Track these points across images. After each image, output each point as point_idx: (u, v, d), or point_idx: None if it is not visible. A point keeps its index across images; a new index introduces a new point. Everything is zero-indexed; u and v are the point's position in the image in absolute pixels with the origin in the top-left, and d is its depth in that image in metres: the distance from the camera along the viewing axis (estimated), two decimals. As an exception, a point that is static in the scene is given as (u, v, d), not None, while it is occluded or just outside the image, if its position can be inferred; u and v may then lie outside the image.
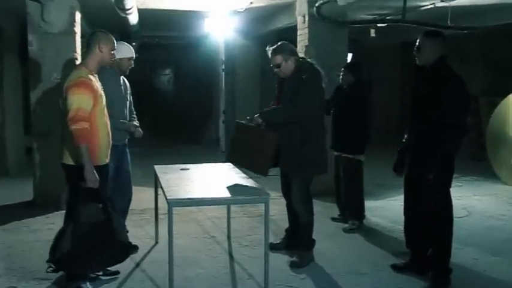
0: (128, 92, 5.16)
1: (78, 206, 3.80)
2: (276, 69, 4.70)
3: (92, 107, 3.88)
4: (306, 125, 4.52)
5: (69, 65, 6.59)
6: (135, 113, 5.32)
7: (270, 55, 4.70)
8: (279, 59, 4.64)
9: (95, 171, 3.80)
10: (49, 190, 6.65)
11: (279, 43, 4.72)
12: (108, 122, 4.13)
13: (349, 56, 7.97)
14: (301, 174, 4.66)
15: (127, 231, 5.21)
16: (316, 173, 4.77)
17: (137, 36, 10.30)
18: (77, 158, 3.87)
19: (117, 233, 3.91)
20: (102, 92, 4.08)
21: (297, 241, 4.88)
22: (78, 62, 6.67)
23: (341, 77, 5.91)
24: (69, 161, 3.99)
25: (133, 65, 5.00)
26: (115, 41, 4.19)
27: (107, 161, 4.13)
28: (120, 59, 4.75)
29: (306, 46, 7.48)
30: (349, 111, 5.73)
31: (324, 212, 6.59)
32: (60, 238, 3.82)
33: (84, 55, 4.16)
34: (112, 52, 4.13)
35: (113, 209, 4.02)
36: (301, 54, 7.69)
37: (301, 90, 4.48)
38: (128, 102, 5.12)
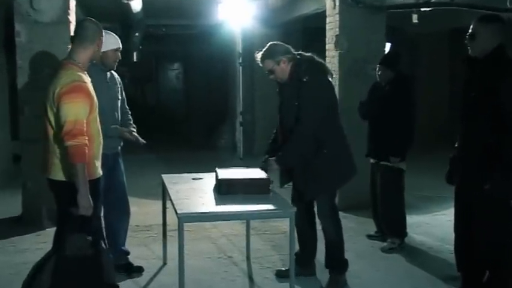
0: (118, 88, 5.11)
1: (64, 234, 3.77)
2: (271, 76, 4.74)
3: (88, 114, 3.84)
4: (316, 132, 4.55)
5: (62, 58, 6.69)
6: (129, 113, 5.30)
7: (259, 62, 4.74)
8: (269, 64, 4.67)
9: (89, 197, 3.75)
10: (40, 204, 6.71)
11: (267, 46, 4.74)
12: (100, 128, 4.08)
13: (387, 47, 7.95)
14: (321, 191, 4.69)
15: (128, 253, 5.26)
16: (340, 184, 4.81)
17: (141, 25, 10.41)
18: (70, 174, 3.82)
19: (105, 272, 3.87)
20: (94, 94, 4.00)
21: (326, 263, 4.90)
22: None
23: (378, 72, 5.90)
24: (58, 175, 3.92)
25: (120, 57, 4.94)
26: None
27: (101, 172, 4.10)
28: (103, 52, 4.60)
29: (337, 36, 7.49)
30: (388, 113, 5.71)
31: (358, 229, 6.58)
32: (40, 270, 3.78)
33: (74, 48, 4.02)
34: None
35: (103, 240, 4.02)
36: (330, 45, 7.79)
37: (304, 99, 4.49)
38: (119, 102, 5.09)
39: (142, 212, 7.16)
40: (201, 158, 11.75)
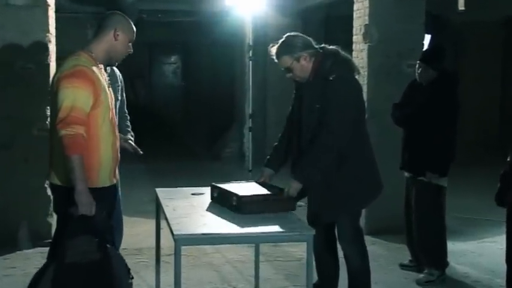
0: (119, 87, 5.21)
1: (65, 240, 3.82)
2: (288, 75, 4.73)
3: (92, 108, 3.93)
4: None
5: (41, 49, 6.76)
6: (128, 118, 5.41)
7: (274, 58, 4.73)
8: (287, 60, 4.64)
9: (89, 193, 3.84)
10: (9, 222, 6.77)
11: (283, 38, 4.72)
12: (116, 130, 4.20)
13: (427, 39, 7.97)
14: (339, 212, 4.70)
15: (132, 278, 5.29)
16: (363, 203, 4.83)
17: (132, 10, 10.49)
18: (67, 175, 3.91)
19: (117, 280, 3.92)
20: (109, 89, 4.14)
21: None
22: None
23: (418, 71, 5.90)
24: (56, 179, 4.07)
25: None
26: (135, 31, 4.28)
27: (115, 181, 4.21)
28: None
29: (366, 25, 7.51)
30: (428, 118, 5.71)
31: (389, 257, 6.58)
32: (37, 284, 3.84)
33: (91, 39, 4.21)
34: (129, 44, 4.22)
35: (113, 241, 4.08)
36: (357, 37, 7.82)
37: (331, 102, 4.47)
38: (118, 104, 5.17)
39: (132, 232, 7.18)
40: (202, 170, 11.78)
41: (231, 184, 4.79)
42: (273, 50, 4.70)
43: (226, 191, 4.57)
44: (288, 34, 4.75)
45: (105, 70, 4.93)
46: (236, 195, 4.42)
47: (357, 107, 4.63)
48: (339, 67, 4.58)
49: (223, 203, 4.55)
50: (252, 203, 4.38)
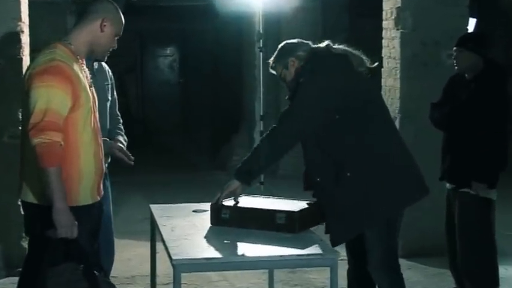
0: (109, 85, 5.26)
1: (44, 268, 3.82)
2: (283, 84, 4.97)
3: (70, 111, 3.91)
4: (327, 148, 4.62)
5: (12, 41, 6.78)
6: (121, 120, 5.44)
7: (272, 71, 4.96)
8: (277, 69, 4.86)
9: (69, 212, 3.83)
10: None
11: (278, 47, 4.92)
12: (100, 137, 4.19)
13: (471, 24, 7.95)
14: (348, 232, 4.69)
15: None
16: (382, 217, 4.77)
17: (120, -7, 10.52)
18: (41, 191, 3.91)
19: None
20: (90, 88, 4.12)
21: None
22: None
23: (455, 61, 5.88)
24: (30, 197, 4.04)
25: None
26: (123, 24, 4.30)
27: (99, 197, 4.19)
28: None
29: (398, 8, 7.51)
30: (474, 120, 5.69)
31: (428, 284, 6.59)
32: None
33: (71, 29, 4.21)
34: (115, 39, 4.24)
35: (103, 271, 4.09)
36: (387, 22, 7.81)
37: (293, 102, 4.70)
38: (108, 104, 5.22)
39: (123, 257, 7.19)
40: (204, 182, 11.78)
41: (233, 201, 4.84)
42: (270, 61, 4.93)
43: (256, 209, 4.63)
44: (284, 42, 4.96)
45: (92, 66, 4.97)
46: (283, 211, 4.52)
47: (329, 107, 4.63)
48: (310, 68, 4.69)
49: (245, 224, 4.55)
50: (303, 218, 4.50)
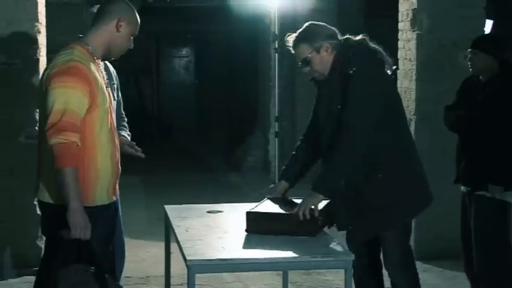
0: (114, 86, 5.25)
1: (55, 269, 3.83)
2: (305, 69, 4.75)
3: (88, 111, 3.93)
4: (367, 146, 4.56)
5: (29, 42, 6.81)
6: (125, 119, 5.46)
7: (291, 48, 4.77)
8: (305, 50, 4.66)
9: (84, 213, 3.84)
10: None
11: (303, 26, 4.76)
12: (117, 137, 4.21)
13: (488, 26, 7.92)
14: (377, 229, 4.69)
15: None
16: (405, 218, 4.79)
17: (136, -6, 10.54)
18: (57, 191, 3.92)
19: None
20: (107, 89, 4.12)
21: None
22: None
23: (469, 63, 5.85)
24: (46, 197, 4.06)
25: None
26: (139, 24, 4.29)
27: (114, 198, 4.21)
28: None
29: (414, 10, 7.50)
30: (489, 123, 5.67)
31: (445, 286, 6.58)
32: None
33: (88, 30, 4.20)
34: (131, 38, 4.23)
35: (114, 274, 4.09)
36: (403, 23, 7.79)
37: (351, 98, 4.49)
38: (114, 104, 5.15)
39: (137, 258, 7.21)
40: (219, 183, 11.80)
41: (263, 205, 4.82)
42: (290, 38, 4.75)
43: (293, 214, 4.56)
44: (310, 22, 4.81)
45: None
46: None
47: (384, 104, 4.61)
48: (361, 59, 4.60)
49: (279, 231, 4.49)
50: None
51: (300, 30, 4.73)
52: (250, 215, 4.48)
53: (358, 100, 4.48)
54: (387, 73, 4.72)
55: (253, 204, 4.73)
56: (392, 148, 4.63)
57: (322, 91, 4.80)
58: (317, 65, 4.66)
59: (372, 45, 4.71)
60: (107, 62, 5.13)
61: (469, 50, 5.81)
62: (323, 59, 4.64)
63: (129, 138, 5.26)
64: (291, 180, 4.93)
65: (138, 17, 4.25)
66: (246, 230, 4.43)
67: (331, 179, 4.55)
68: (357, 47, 4.66)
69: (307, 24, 4.78)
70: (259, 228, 4.43)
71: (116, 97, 5.25)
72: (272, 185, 4.97)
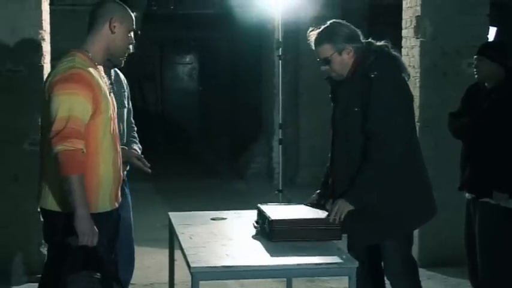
0: (125, 94, 5.30)
1: (63, 276, 3.84)
2: (323, 68, 4.71)
3: (91, 117, 3.94)
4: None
5: (33, 49, 6.82)
6: (135, 128, 5.46)
7: (312, 44, 4.73)
8: (327, 50, 4.63)
9: (91, 220, 3.85)
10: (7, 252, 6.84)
11: (327, 24, 4.75)
12: (118, 144, 4.21)
13: (492, 33, 7.91)
14: (379, 237, 4.68)
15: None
16: (410, 227, 4.79)
17: (141, 1, 10.55)
18: (64, 199, 3.92)
19: None
20: (110, 94, 4.13)
21: None
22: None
23: (475, 69, 5.85)
24: (49, 204, 4.06)
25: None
26: (134, 18, 4.29)
27: (116, 204, 4.21)
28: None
29: (417, 17, 7.50)
30: (494, 130, 5.66)
31: (448, 295, 6.54)
32: None
33: (85, 37, 4.20)
34: (130, 35, 4.22)
35: (119, 281, 4.09)
36: (407, 31, 7.78)
37: (377, 107, 4.46)
38: (124, 112, 5.26)
39: (141, 265, 7.16)
40: (223, 190, 11.79)
41: (278, 206, 4.83)
42: (313, 35, 4.71)
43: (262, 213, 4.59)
44: (333, 20, 4.79)
45: (109, 74, 4.98)
46: (269, 220, 4.45)
47: (407, 113, 4.62)
48: (383, 63, 4.58)
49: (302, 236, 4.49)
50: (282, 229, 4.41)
51: (323, 27, 4.71)
52: (274, 223, 4.42)
53: (388, 110, 4.46)
54: (405, 80, 4.72)
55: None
56: (404, 156, 4.58)
57: (340, 94, 4.75)
58: (337, 66, 4.64)
59: (393, 52, 4.70)
60: (117, 70, 5.16)
61: (475, 56, 5.81)
62: (344, 61, 4.63)
63: (139, 151, 5.26)
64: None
65: (130, 12, 4.22)
66: (272, 240, 4.39)
67: (366, 192, 4.52)
68: (379, 52, 4.65)
69: (330, 22, 4.76)
70: (285, 236, 4.40)
71: (126, 105, 5.27)
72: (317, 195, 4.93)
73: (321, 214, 4.62)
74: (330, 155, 4.91)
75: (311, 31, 4.75)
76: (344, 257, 4.21)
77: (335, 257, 4.20)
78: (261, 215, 4.64)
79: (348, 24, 4.78)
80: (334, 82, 4.79)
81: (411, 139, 4.70)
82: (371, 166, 4.46)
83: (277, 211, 4.64)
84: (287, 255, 4.17)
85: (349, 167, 4.60)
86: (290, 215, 4.63)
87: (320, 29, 4.70)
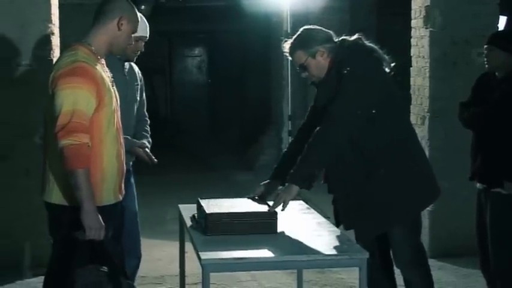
0: (137, 86, 5.31)
1: (71, 269, 3.85)
2: (303, 74, 4.81)
3: (95, 110, 3.95)
4: (363, 143, 4.59)
5: (43, 43, 6.84)
6: (148, 122, 5.49)
7: (288, 55, 4.83)
8: (301, 57, 4.71)
9: (98, 214, 3.87)
10: (8, 245, 6.86)
11: (298, 32, 4.81)
12: (121, 136, 4.22)
13: (502, 22, 7.88)
14: (377, 228, 4.70)
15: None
16: (414, 210, 4.79)
17: (148, -6, 10.56)
18: (70, 193, 3.93)
19: None
20: (113, 87, 4.15)
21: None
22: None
23: (486, 59, 5.83)
24: (54, 198, 4.08)
25: (143, 49, 5.11)
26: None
27: (120, 197, 4.23)
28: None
29: (427, 7, 7.48)
30: (505, 120, 5.65)
31: (459, 285, 6.55)
32: None
33: (89, 30, 4.21)
34: (132, 36, 4.25)
35: (125, 274, 4.10)
36: (416, 21, 7.77)
37: (337, 95, 4.54)
38: (135, 105, 5.28)
39: (152, 257, 7.21)
40: (232, 182, 11.80)
41: (219, 201, 4.86)
42: (287, 45, 4.80)
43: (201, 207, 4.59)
44: (304, 27, 4.86)
45: (123, 66, 5.03)
46: (205, 213, 4.45)
47: (375, 103, 4.62)
48: (355, 59, 4.64)
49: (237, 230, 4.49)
50: (221, 223, 4.41)
51: (295, 36, 4.79)
52: (209, 217, 4.42)
53: (343, 95, 4.54)
54: (384, 71, 4.74)
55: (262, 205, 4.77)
56: (392, 144, 4.64)
57: (319, 94, 4.84)
58: (314, 70, 4.72)
59: (368, 43, 4.75)
60: (131, 63, 5.18)
61: (485, 46, 5.78)
62: (319, 63, 4.70)
63: (149, 146, 5.27)
64: (282, 178, 4.87)
65: (138, 14, 4.28)
66: (207, 233, 4.38)
67: (304, 167, 4.57)
68: (353, 47, 4.71)
69: (301, 29, 4.84)
70: (220, 229, 4.40)
71: (138, 97, 5.29)
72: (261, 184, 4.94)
73: (259, 207, 4.64)
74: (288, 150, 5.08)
75: (285, 42, 4.84)
76: (354, 248, 4.23)
77: (345, 248, 4.21)
78: (200, 209, 4.64)
79: (320, 28, 4.85)
80: (316, 84, 4.86)
81: (401, 127, 4.75)
82: (310, 143, 4.55)
83: (215, 205, 4.65)
84: (297, 247, 4.18)
85: (339, 168, 4.68)
86: (227, 208, 4.62)
87: (292, 39, 4.78)
